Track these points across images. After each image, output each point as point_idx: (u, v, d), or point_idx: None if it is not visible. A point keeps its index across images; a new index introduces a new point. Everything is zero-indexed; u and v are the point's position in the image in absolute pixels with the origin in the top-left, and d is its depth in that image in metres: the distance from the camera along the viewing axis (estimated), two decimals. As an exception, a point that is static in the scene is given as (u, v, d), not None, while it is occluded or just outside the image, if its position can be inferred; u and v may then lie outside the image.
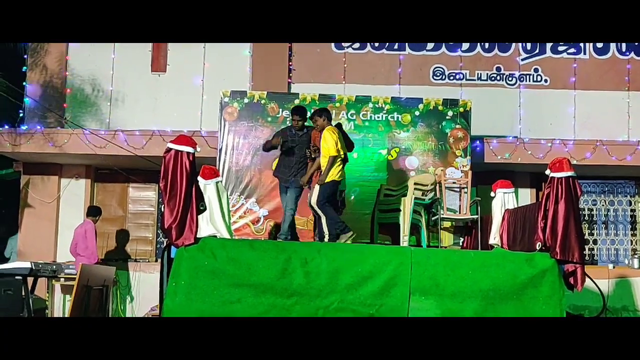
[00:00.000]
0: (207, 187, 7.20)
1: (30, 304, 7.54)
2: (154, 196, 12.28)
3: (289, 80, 11.91)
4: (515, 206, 8.42)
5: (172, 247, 6.51)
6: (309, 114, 8.80)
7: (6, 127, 11.33)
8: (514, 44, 12.05)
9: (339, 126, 8.80)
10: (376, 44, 12.01)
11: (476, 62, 12.07)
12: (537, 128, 11.77)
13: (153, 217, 12.28)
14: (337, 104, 10.29)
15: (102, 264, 10.80)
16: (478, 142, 11.10)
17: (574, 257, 6.47)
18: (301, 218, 9.51)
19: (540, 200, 6.92)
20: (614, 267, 11.68)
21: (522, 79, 12.07)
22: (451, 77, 12.03)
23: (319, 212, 8.22)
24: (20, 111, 11.71)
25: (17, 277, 7.65)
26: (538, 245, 6.64)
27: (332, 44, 12.00)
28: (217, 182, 7.37)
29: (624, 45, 12.12)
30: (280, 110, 10.19)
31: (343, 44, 11.98)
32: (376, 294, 6.33)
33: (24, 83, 11.89)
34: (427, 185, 9.44)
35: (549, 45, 12.08)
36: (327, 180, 8.15)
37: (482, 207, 9.47)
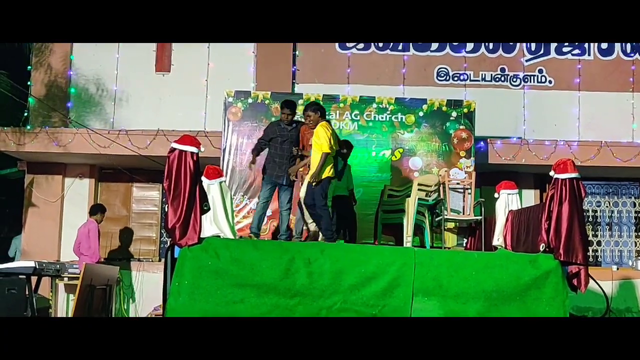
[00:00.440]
0: (211, 187, 7.21)
1: (33, 303, 7.55)
2: (157, 196, 12.30)
3: (293, 81, 11.91)
4: (519, 207, 8.41)
5: (176, 247, 6.51)
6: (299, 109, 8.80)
7: (11, 126, 11.35)
8: (518, 45, 12.04)
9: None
10: (380, 45, 12.01)
11: (480, 63, 12.06)
12: (541, 129, 11.76)
13: (157, 216, 12.30)
14: (341, 105, 10.29)
15: (105, 263, 10.81)
16: (482, 143, 11.09)
17: (578, 258, 6.46)
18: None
19: (544, 201, 6.93)
20: (617, 269, 11.66)
21: (526, 80, 12.05)
22: (455, 78, 12.02)
23: (319, 212, 8.06)
24: (25, 111, 11.73)
25: (20, 276, 7.68)
26: (542, 247, 6.63)
27: (336, 44, 12.00)
28: (220, 182, 7.38)
29: (628, 46, 12.10)
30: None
31: (347, 44, 11.98)
32: (379, 295, 6.33)
33: (29, 82, 11.92)
34: (430, 186, 9.43)
35: (553, 46, 12.06)
36: (322, 177, 7.95)
37: (485, 208, 9.46)
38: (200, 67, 11.89)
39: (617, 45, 12.11)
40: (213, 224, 7.14)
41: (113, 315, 9.90)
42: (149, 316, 10.25)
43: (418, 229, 9.38)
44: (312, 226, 8.43)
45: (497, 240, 8.43)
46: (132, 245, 12.21)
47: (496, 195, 8.64)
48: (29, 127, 11.42)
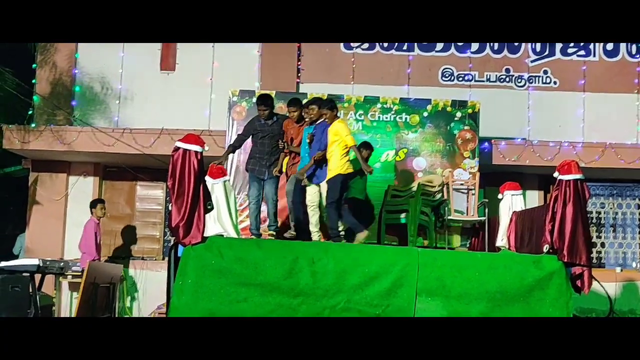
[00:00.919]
0: (215, 186, 7.22)
1: (37, 301, 7.56)
2: (161, 194, 12.31)
3: (298, 80, 11.91)
4: (523, 208, 8.40)
5: (179, 245, 6.52)
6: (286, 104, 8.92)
7: (15, 124, 11.37)
8: (523, 46, 12.03)
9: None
10: (385, 45, 12.00)
11: (485, 64, 12.05)
12: (546, 130, 11.74)
13: (160, 215, 12.31)
14: (346, 104, 10.28)
15: (109, 262, 10.82)
16: (486, 143, 11.07)
17: (582, 259, 6.46)
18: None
19: (548, 202, 6.90)
20: (621, 270, 11.65)
21: (531, 81, 12.04)
22: (460, 78, 12.01)
23: (329, 209, 7.97)
24: (30, 108, 11.75)
25: (24, 274, 7.69)
26: (545, 248, 6.63)
27: (341, 44, 11.99)
28: (224, 182, 7.39)
29: (634, 47, 12.07)
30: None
31: (352, 44, 11.97)
32: (383, 295, 6.33)
33: (33, 81, 11.94)
34: (434, 186, 9.42)
35: (558, 47, 12.05)
36: (341, 172, 7.94)
37: (489, 209, 9.45)
38: (205, 66, 11.90)
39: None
40: (217, 223, 7.16)
41: (116, 314, 9.91)
42: (153, 314, 10.26)
43: (422, 230, 9.38)
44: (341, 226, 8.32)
45: (501, 241, 8.42)
46: (135, 244, 12.23)
47: (500, 196, 8.63)
48: (33, 125, 11.43)
